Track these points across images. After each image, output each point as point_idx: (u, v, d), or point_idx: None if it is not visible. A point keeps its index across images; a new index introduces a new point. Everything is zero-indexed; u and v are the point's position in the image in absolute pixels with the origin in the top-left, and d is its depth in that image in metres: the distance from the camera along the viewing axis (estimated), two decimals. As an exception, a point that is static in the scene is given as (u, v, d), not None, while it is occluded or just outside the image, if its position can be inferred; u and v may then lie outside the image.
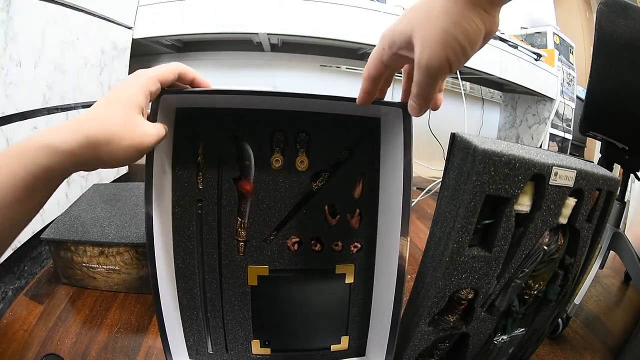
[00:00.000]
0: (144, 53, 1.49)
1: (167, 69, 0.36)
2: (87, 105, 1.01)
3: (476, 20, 0.27)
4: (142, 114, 0.33)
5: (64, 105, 0.90)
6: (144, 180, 0.39)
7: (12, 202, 0.26)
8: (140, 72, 0.34)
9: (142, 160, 0.38)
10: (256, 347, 0.50)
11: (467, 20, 0.27)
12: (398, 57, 0.33)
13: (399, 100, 0.40)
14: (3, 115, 0.69)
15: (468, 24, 0.27)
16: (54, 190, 0.30)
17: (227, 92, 0.40)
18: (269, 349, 0.51)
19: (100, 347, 0.60)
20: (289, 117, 0.46)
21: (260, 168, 0.47)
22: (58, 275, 0.76)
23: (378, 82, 0.37)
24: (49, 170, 0.27)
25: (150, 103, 0.36)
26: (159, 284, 0.41)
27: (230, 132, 0.46)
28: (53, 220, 0.76)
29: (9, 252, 0.70)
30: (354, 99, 0.40)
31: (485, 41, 0.29)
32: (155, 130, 0.34)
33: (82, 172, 0.98)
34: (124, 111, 0.31)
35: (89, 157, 0.29)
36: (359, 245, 0.50)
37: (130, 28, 1.24)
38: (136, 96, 0.32)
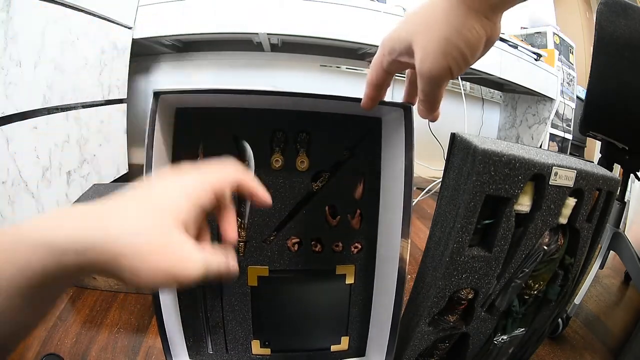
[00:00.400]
0: (144, 53, 1.49)
1: (226, 177, 0.27)
2: (87, 105, 1.02)
3: (477, 27, 0.27)
4: (188, 231, 0.24)
5: (64, 105, 0.90)
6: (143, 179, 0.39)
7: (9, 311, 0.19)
8: (190, 174, 0.25)
9: (142, 160, 0.38)
10: (256, 348, 0.50)
11: (468, 27, 0.27)
12: (398, 63, 0.33)
13: (400, 101, 0.40)
14: (3, 115, 0.69)
15: (469, 31, 0.27)
16: (58, 298, 0.22)
17: (227, 92, 0.40)
18: (269, 349, 0.51)
19: (100, 347, 0.60)
20: (290, 117, 0.46)
21: (260, 168, 0.47)
22: (58, 275, 0.76)
23: (381, 88, 0.37)
24: (45, 276, 0.19)
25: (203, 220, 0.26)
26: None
27: (230, 132, 0.46)
28: (53, 220, 0.76)
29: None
30: (354, 99, 0.40)
31: (486, 48, 0.29)
32: (201, 258, 0.23)
33: (82, 172, 0.99)
34: (159, 222, 0.22)
35: (102, 265, 0.20)
36: (360, 246, 0.50)
37: (130, 28, 1.24)
38: (180, 206, 0.23)
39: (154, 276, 0.21)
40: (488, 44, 0.29)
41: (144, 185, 0.25)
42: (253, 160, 0.47)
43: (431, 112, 0.33)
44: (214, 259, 0.24)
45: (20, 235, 0.19)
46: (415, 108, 0.41)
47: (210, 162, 0.27)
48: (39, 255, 0.19)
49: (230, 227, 0.28)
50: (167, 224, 0.22)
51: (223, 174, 0.27)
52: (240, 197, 0.47)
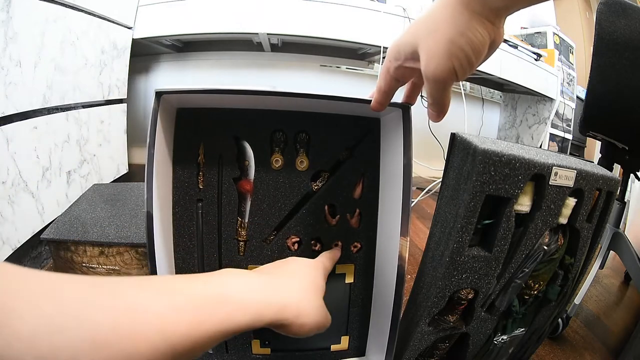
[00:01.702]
0: (144, 53, 1.49)
1: (332, 263, 0.44)
2: (87, 105, 1.02)
3: (480, 30, 0.27)
4: None
5: (64, 105, 0.90)
6: (144, 179, 0.39)
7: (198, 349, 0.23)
8: (320, 264, 0.40)
9: (142, 160, 0.38)
10: (256, 347, 0.50)
11: (471, 30, 0.27)
12: (405, 69, 0.34)
13: (399, 101, 0.40)
14: (3, 115, 0.69)
15: (473, 34, 0.27)
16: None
17: (227, 92, 0.40)
18: (269, 349, 0.51)
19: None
20: (289, 117, 0.46)
21: (260, 168, 0.47)
22: (58, 275, 0.76)
23: (389, 94, 0.38)
24: (240, 328, 0.25)
25: None
26: None
27: (231, 131, 0.46)
28: (53, 220, 0.76)
29: (8, 252, 0.70)
30: (354, 99, 0.40)
31: (491, 51, 0.30)
32: (330, 318, 0.36)
33: (82, 172, 0.99)
34: (320, 301, 0.35)
35: (284, 321, 0.29)
36: (359, 245, 0.50)
37: (130, 28, 1.24)
38: (324, 287, 0.38)
39: (312, 327, 0.32)
40: (492, 48, 0.29)
41: (295, 263, 0.38)
42: (253, 160, 0.47)
43: (440, 114, 0.33)
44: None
45: (225, 296, 0.25)
46: (414, 108, 0.42)
47: (321, 255, 0.44)
48: (240, 314, 0.25)
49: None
50: (320, 299, 0.35)
51: (332, 260, 0.44)
52: (239, 196, 0.47)
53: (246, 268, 0.49)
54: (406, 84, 0.39)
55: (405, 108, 0.41)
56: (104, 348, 0.17)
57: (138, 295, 0.21)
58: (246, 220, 0.48)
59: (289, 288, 0.32)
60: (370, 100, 0.39)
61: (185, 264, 0.47)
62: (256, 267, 0.48)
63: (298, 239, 0.49)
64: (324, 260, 0.42)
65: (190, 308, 0.22)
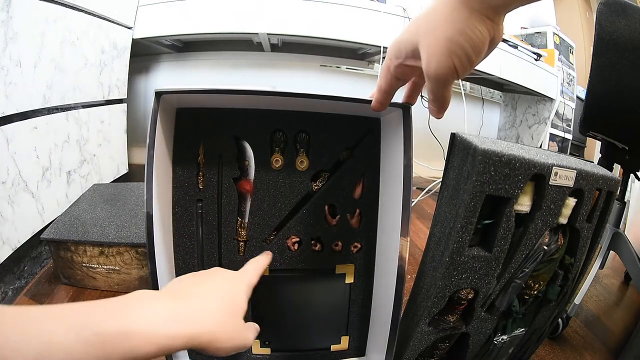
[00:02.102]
0: (144, 53, 1.49)
1: (258, 276, 0.40)
2: (87, 105, 1.02)
3: (480, 27, 0.27)
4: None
5: (64, 105, 0.90)
6: (144, 179, 0.39)
7: None
8: (244, 279, 0.38)
9: (142, 160, 0.38)
10: (256, 347, 0.50)
11: (471, 27, 0.27)
12: (405, 68, 0.34)
13: (400, 101, 0.40)
14: (3, 115, 0.69)
15: (472, 31, 0.27)
16: None
17: (227, 92, 0.40)
18: (269, 349, 0.51)
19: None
20: (290, 117, 0.46)
21: (260, 168, 0.47)
22: (58, 275, 0.76)
23: (390, 94, 0.38)
24: (148, 357, 0.26)
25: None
26: (159, 283, 0.41)
27: (231, 131, 0.46)
28: (53, 220, 0.76)
29: (8, 252, 0.70)
30: (354, 99, 0.40)
31: (490, 49, 0.30)
32: (253, 334, 0.36)
33: (82, 172, 0.99)
34: (239, 323, 0.34)
35: (198, 346, 0.30)
36: (359, 246, 0.50)
37: (130, 28, 1.24)
38: (244, 305, 0.35)
39: (229, 350, 0.32)
40: (492, 45, 0.30)
41: (215, 278, 0.36)
42: (253, 160, 0.47)
43: (441, 111, 0.33)
44: (255, 331, 0.37)
45: (131, 330, 0.25)
46: (414, 108, 0.42)
47: (246, 267, 0.41)
48: (146, 346, 0.26)
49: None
50: (238, 318, 0.34)
51: (258, 273, 0.40)
52: (239, 196, 0.47)
53: None
54: (407, 84, 0.39)
55: (405, 108, 0.41)
56: None
57: (54, 330, 0.23)
58: (246, 220, 0.48)
59: (201, 314, 0.31)
60: (371, 101, 0.39)
61: (185, 263, 0.47)
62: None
63: (298, 239, 0.49)
64: (249, 275, 0.39)
65: (96, 342, 0.24)
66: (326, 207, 0.49)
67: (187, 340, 0.28)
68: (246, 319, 0.49)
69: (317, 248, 0.49)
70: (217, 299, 0.33)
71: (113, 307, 0.27)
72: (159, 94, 0.38)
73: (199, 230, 0.47)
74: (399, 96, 0.40)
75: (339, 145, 0.48)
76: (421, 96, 0.42)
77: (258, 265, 0.41)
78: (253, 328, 0.37)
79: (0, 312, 0.22)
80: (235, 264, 0.48)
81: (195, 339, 0.29)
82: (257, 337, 0.50)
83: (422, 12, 0.31)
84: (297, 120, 0.47)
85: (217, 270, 0.38)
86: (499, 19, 0.28)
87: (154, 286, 0.41)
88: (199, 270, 0.47)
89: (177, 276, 0.47)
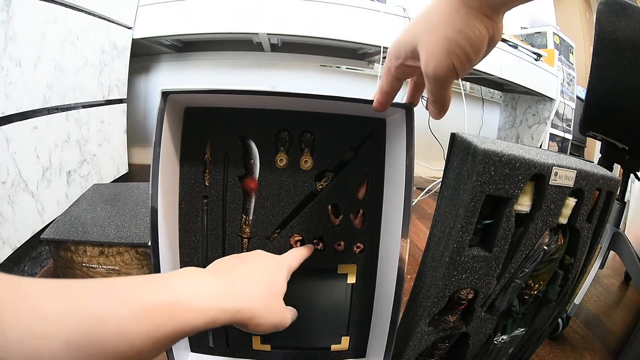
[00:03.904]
0: (144, 53, 1.49)
1: (298, 262, 0.42)
2: (87, 105, 1.02)
3: (478, 26, 0.27)
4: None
5: (64, 105, 0.90)
6: (150, 176, 0.40)
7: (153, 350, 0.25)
8: (285, 262, 0.40)
9: (145, 160, 0.38)
10: (256, 343, 0.51)
11: (469, 27, 0.27)
12: (405, 68, 0.34)
13: (403, 101, 0.41)
14: (3, 115, 0.69)
15: (471, 30, 0.27)
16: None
17: (234, 92, 0.40)
18: (269, 345, 0.51)
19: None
20: (295, 117, 0.47)
21: (265, 167, 0.48)
22: (58, 275, 0.76)
23: (391, 95, 0.38)
24: (196, 330, 0.28)
25: None
26: None
27: (237, 131, 0.47)
28: (53, 220, 0.76)
29: (8, 252, 0.70)
30: (359, 100, 0.40)
31: (490, 47, 0.30)
32: (290, 315, 0.38)
33: (82, 172, 0.99)
34: (278, 302, 0.36)
35: (239, 321, 0.31)
36: (362, 246, 0.50)
37: (130, 28, 1.24)
38: (283, 287, 0.38)
39: (267, 328, 0.34)
40: (491, 44, 0.29)
41: (258, 260, 0.38)
42: (258, 159, 0.47)
43: (442, 112, 0.33)
44: (294, 314, 0.39)
45: (181, 302, 0.27)
46: (416, 108, 0.42)
47: (288, 253, 0.43)
48: (195, 317, 0.27)
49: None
50: (277, 298, 0.36)
51: (299, 259, 0.43)
52: (244, 194, 0.48)
53: None
54: (408, 86, 0.39)
55: (408, 108, 0.41)
56: (76, 350, 0.21)
57: (102, 305, 0.23)
58: (250, 218, 0.48)
59: (246, 291, 0.33)
60: (373, 101, 0.39)
61: (190, 258, 0.47)
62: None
63: (301, 238, 0.49)
64: (290, 260, 0.41)
65: (148, 315, 0.24)
66: (329, 207, 0.49)
67: (232, 315, 0.30)
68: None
69: (319, 247, 0.49)
70: (259, 279, 0.35)
71: (161, 281, 0.28)
72: (165, 94, 0.38)
73: (204, 226, 0.47)
74: (400, 97, 0.40)
75: (344, 145, 0.48)
76: (422, 97, 0.42)
77: (299, 253, 0.43)
78: (291, 310, 0.38)
79: (27, 284, 0.21)
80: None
81: (239, 314, 0.30)
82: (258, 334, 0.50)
83: (421, 12, 0.31)
84: (302, 120, 0.47)
85: (259, 253, 0.41)
86: (498, 17, 0.28)
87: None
88: (202, 265, 0.48)
89: None
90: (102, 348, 0.22)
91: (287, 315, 0.37)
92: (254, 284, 0.34)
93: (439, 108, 0.33)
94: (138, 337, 0.24)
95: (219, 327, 0.30)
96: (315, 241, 0.49)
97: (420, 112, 0.41)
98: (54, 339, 0.20)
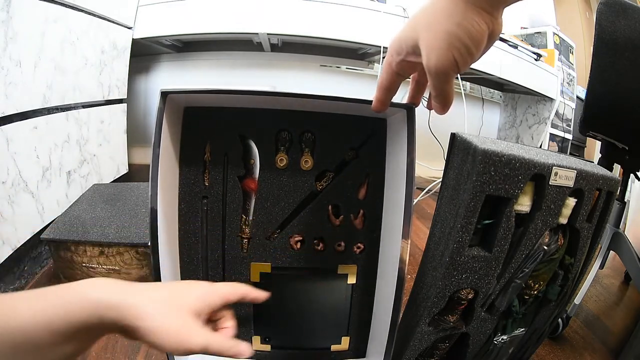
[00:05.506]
0: (144, 53, 1.49)
1: (228, 290, 0.35)
2: (87, 105, 1.02)
3: (478, 20, 0.28)
4: (199, 318, 0.32)
5: (64, 105, 0.90)
6: (149, 176, 0.40)
7: (53, 344, 0.26)
8: (201, 285, 0.34)
9: (145, 160, 0.38)
10: (257, 343, 0.51)
11: (469, 20, 0.28)
12: (406, 64, 0.34)
13: (404, 102, 0.40)
14: (3, 115, 0.69)
15: (470, 24, 0.28)
16: (95, 342, 0.30)
17: (234, 92, 0.40)
18: (269, 346, 0.51)
19: (100, 347, 0.60)
20: (295, 117, 0.47)
21: (265, 167, 0.47)
22: (58, 275, 0.76)
23: (391, 91, 0.37)
24: (101, 326, 0.27)
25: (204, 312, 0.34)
26: (161, 278, 0.41)
27: (237, 130, 0.47)
28: (53, 220, 0.76)
29: (8, 252, 0.70)
30: (360, 100, 0.40)
31: (490, 42, 0.30)
32: (203, 337, 0.30)
33: (82, 172, 0.99)
34: (179, 316, 0.30)
35: (127, 328, 0.28)
36: (362, 247, 0.50)
37: (130, 28, 1.24)
38: (192, 305, 0.31)
39: (163, 338, 0.28)
40: (491, 38, 0.30)
41: (176, 287, 0.34)
42: (258, 159, 0.47)
43: (444, 107, 0.33)
44: (215, 340, 0.31)
45: (86, 293, 0.28)
46: (417, 108, 0.42)
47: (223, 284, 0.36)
48: (102, 310, 0.27)
49: (226, 323, 0.36)
50: (183, 314, 0.30)
51: (232, 290, 0.35)
52: (244, 194, 0.48)
53: (249, 265, 0.49)
54: (409, 86, 0.39)
55: (409, 108, 0.41)
56: None
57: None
58: (250, 218, 0.48)
59: (140, 294, 0.29)
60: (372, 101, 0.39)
61: (190, 258, 0.47)
62: (259, 264, 0.49)
63: (301, 238, 0.49)
64: (216, 285, 0.35)
65: (35, 296, 0.28)
66: (330, 207, 0.49)
67: (113, 307, 0.27)
68: (247, 314, 0.50)
69: (319, 248, 0.49)
70: (163, 291, 0.31)
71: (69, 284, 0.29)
72: (164, 94, 0.38)
73: (204, 227, 0.47)
74: (400, 98, 0.40)
75: (345, 145, 0.48)
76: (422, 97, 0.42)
77: (235, 285, 0.36)
78: (209, 335, 0.31)
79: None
80: (238, 261, 0.49)
81: (123, 310, 0.27)
82: (258, 334, 0.50)
83: (421, 8, 0.31)
84: (302, 120, 0.47)
85: (192, 283, 0.35)
86: (497, 12, 0.28)
87: (157, 279, 0.41)
88: (203, 266, 0.48)
89: (181, 271, 0.47)
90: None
91: (196, 334, 0.30)
92: (154, 293, 0.30)
93: (442, 103, 0.33)
94: (21, 315, 0.26)
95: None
96: (315, 241, 0.49)
97: (421, 112, 0.41)
98: None
